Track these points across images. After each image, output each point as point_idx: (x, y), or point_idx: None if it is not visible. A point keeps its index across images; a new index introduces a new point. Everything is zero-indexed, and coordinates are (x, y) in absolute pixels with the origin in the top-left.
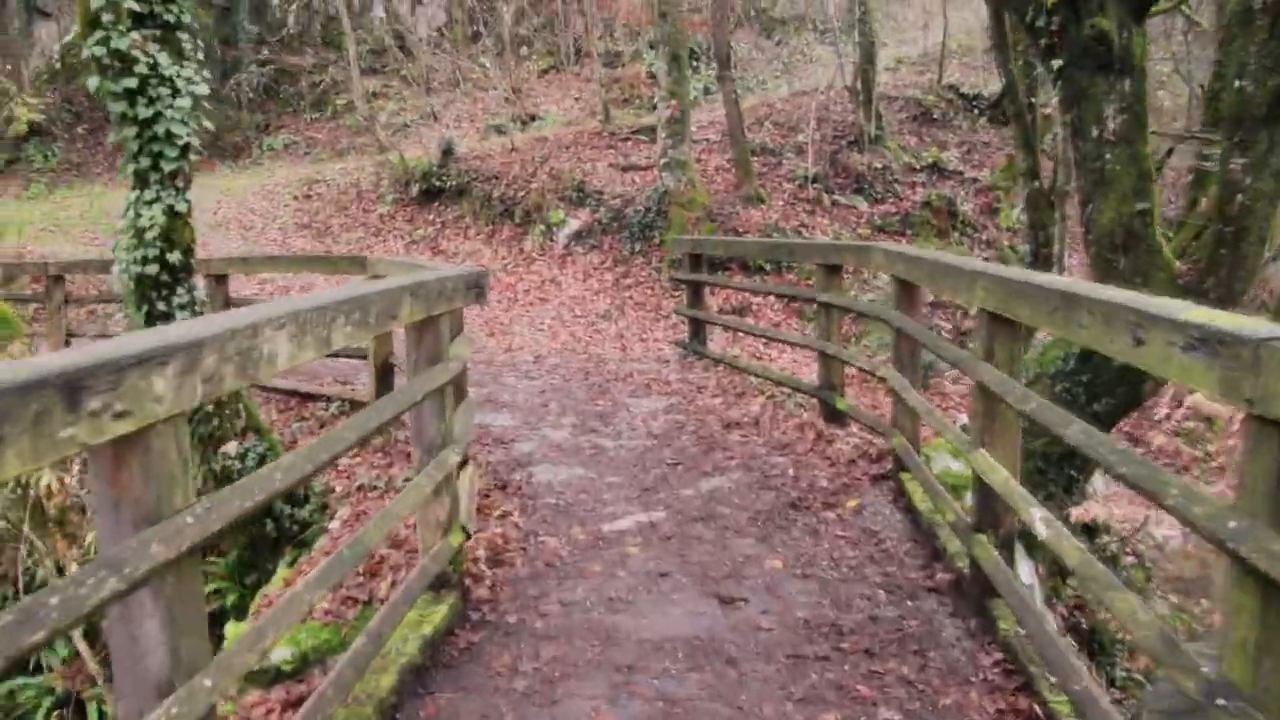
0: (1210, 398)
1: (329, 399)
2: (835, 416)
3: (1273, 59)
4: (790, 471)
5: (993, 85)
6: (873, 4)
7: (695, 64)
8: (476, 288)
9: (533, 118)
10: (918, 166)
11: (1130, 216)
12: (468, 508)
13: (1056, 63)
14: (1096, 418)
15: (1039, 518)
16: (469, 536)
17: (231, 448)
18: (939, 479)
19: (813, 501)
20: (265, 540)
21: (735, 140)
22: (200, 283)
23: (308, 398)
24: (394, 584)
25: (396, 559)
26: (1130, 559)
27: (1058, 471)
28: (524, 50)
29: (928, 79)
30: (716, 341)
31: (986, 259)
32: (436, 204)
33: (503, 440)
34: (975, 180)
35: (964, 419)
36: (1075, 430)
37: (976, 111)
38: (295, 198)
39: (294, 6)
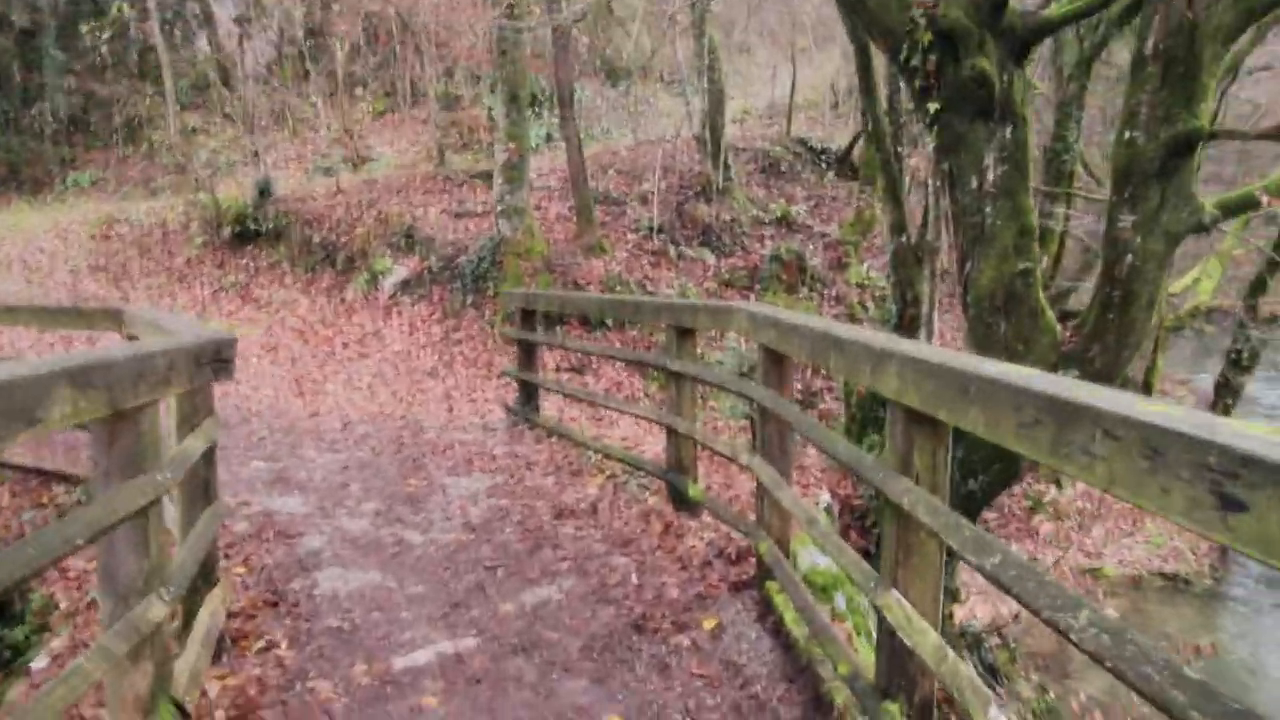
0: None
1: (75, 480)
2: (685, 503)
3: (1165, 109)
4: (634, 578)
5: (840, 139)
6: (719, 54)
7: (537, 109)
8: (216, 361)
9: (365, 160)
10: (766, 219)
11: (1012, 276)
12: (194, 665)
13: (933, 106)
14: (971, 496)
15: None
16: (187, 717)
17: None
18: (805, 579)
19: (661, 621)
20: None
21: (577, 187)
22: None
23: (52, 478)
24: None
25: None
26: (995, 640)
27: None
28: (358, 90)
29: (775, 130)
30: (552, 401)
31: (836, 316)
32: (250, 248)
33: (287, 534)
34: (824, 234)
35: (825, 497)
36: (1085, 620)
37: (824, 165)
38: (93, 237)
39: (106, 35)
